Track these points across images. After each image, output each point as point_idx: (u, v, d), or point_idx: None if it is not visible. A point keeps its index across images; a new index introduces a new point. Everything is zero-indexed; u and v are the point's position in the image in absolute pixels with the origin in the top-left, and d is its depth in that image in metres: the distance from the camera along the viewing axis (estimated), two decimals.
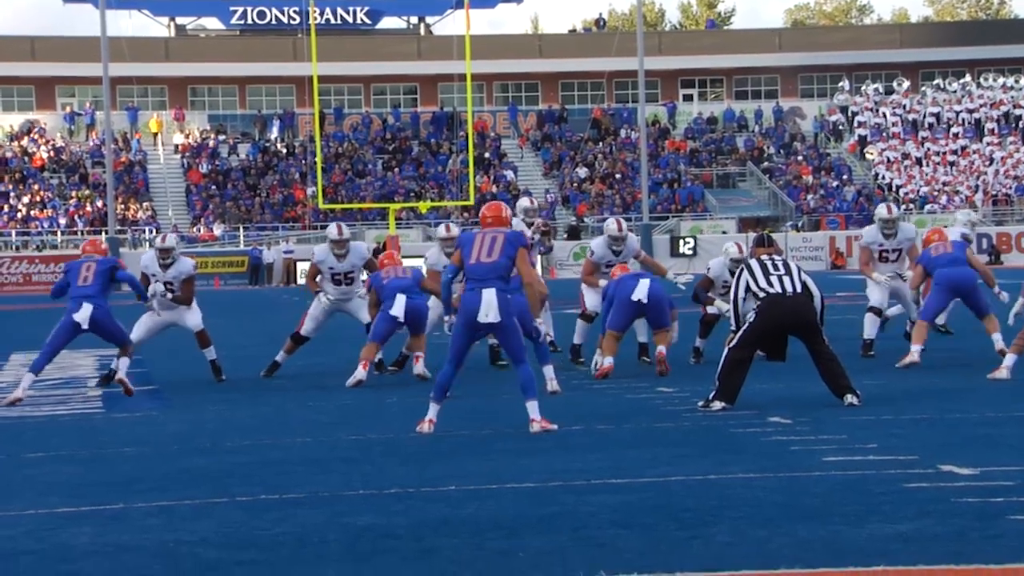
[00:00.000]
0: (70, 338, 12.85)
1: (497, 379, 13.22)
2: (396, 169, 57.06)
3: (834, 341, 10.87)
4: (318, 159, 49.80)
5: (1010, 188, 55.33)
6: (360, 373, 13.02)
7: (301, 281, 47.51)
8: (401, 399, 12.15)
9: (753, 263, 10.82)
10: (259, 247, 49.56)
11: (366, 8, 62.80)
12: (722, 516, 6.53)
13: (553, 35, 72.35)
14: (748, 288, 10.65)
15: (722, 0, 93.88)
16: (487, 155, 58.00)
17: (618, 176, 56.93)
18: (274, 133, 59.23)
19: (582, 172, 57.36)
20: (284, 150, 58.21)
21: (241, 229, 51.93)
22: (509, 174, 57.10)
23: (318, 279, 14.76)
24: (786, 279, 10.63)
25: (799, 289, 10.60)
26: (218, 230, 52.12)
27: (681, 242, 49.79)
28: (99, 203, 52.41)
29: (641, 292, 13.33)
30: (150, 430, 10.75)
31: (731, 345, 10.60)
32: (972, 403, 10.49)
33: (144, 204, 53.88)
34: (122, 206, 52.27)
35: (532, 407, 9.53)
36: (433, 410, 9.62)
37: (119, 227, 49.27)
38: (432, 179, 56.61)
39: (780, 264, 10.75)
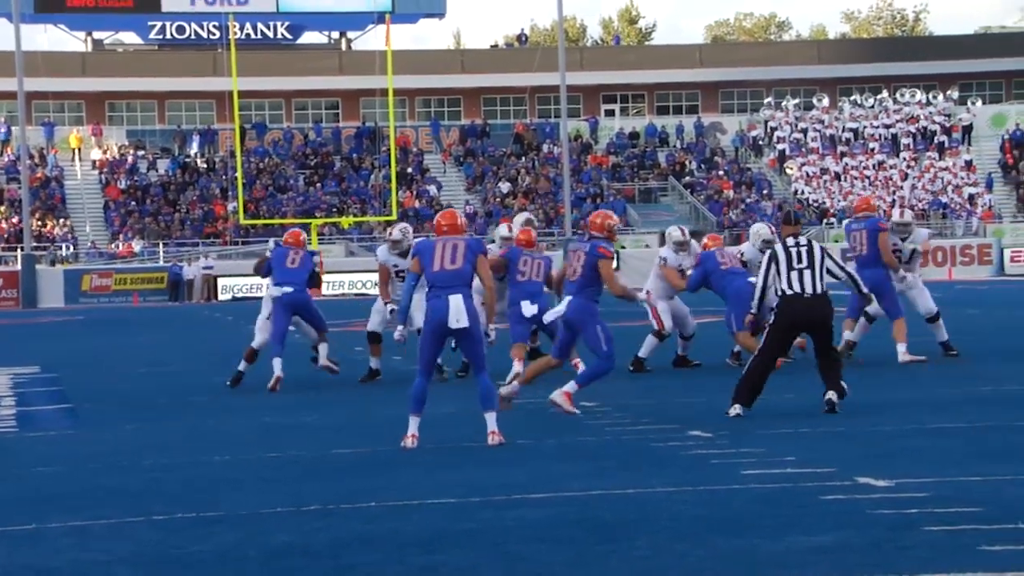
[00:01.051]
0: (288, 317, 14.54)
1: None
2: (318, 184, 56.82)
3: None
4: (239, 174, 49.43)
5: (926, 203, 56.17)
6: (514, 377, 12.67)
7: (223, 297, 47.20)
8: (322, 416, 12.08)
9: (779, 251, 10.89)
10: (179, 263, 49.08)
11: (287, 23, 62.50)
12: (642, 530, 6.55)
13: (475, 50, 72.44)
14: (773, 279, 10.82)
15: (643, 16, 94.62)
16: (410, 170, 57.93)
17: (541, 191, 57.10)
18: (194, 148, 58.74)
19: (505, 187, 57.45)
20: (204, 165, 57.77)
21: (161, 245, 51.42)
22: (432, 189, 57.07)
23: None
24: (807, 274, 10.74)
25: (819, 288, 10.73)
26: (137, 246, 51.59)
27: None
28: (15, 219, 51.67)
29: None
30: (65, 449, 10.60)
31: (759, 350, 10.83)
32: (889, 416, 10.61)
33: (61, 220, 53.20)
34: (39, 222, 51.58)
35: (490, 419, 9.52)
36: (414, 423, 9.56)
37: (35, 244, 48.60)
38: (354, 194, 56.43)
39: (804, 253, 10.82)
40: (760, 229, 15.08)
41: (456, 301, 9.42)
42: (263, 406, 12.90)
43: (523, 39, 73.89)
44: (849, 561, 5.80)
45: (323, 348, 14.79)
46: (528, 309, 13.74)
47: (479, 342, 9.59)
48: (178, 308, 43.56)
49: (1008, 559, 5.70)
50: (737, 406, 10.62)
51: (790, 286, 10.72)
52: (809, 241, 11.00)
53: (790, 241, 10.93)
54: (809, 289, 10.70)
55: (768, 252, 11.10)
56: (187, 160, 57.96)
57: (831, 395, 10.64)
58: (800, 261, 10.77)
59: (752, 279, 14.28)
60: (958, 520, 6.41)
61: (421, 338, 9.68)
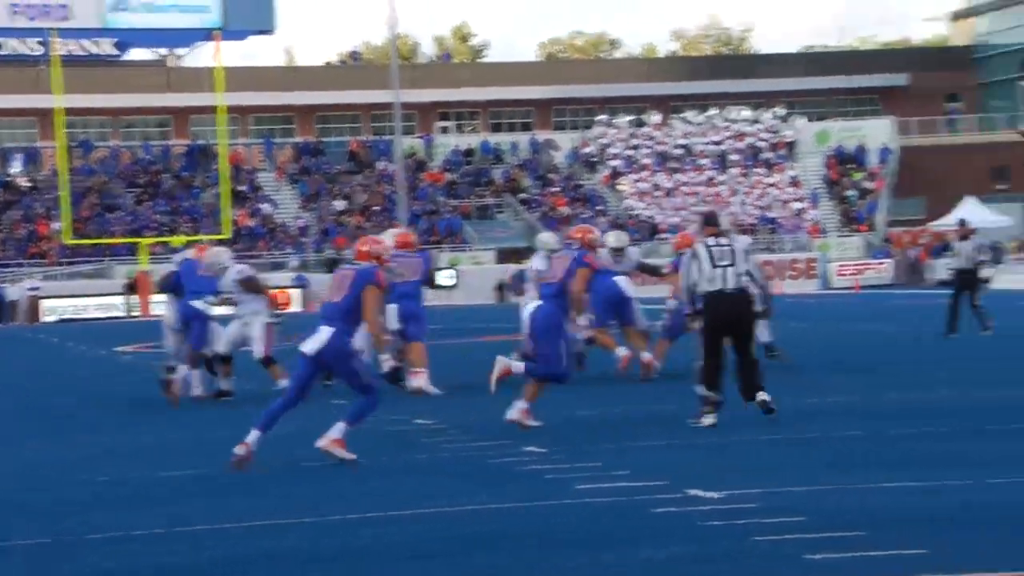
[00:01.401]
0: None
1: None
2: (148, 203, 55.81)
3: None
4: (63, 194, 48.26)
5: (755, 218, 57.44)
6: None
7: (48, 318, 46.02)
8: (160, 437, 11.81)
9: (700, 249, 10.96)
10: (2, 284, 47.70)
11: (113, 39, 61.29)
12: (476, 548, 6.53)
13: (308, 68, 71.97)
14: (697, 276, 10.85)
15: (475, 34, 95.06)
16: (243, 188, 57.24)
17: (376, 208, 56.92)
18: (16, 167, 57.19)
19: (340, 205, 57.15)
20: (28, 184, 56.27)
21: None
22: (266, 207, 56.48)
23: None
24: (730, 272, 10.82)
25: (741, 284, 10.83)
26: None
27: (441, 274, 50.00)
28: None
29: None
30: None
31: (703, 357, 10.87)
32: (718, 428, 10.77)
33: None
34: None
35: (338, 427, 9.42)
36: (254, 436, 9.40)
37: None
38: (185, 213, 55.55)
39: (726, 252, 10.90)
40: (608, 237, 15.86)
41: (323, 333, 9.37)
42: (147, 423, 12.57)
43: (356, 57, 73.68)
44: (680, 573, 5.86)
45: (182, 370, 14.34)
46: (390, 321, 13.79)
47: (351, 374, 9.50)
48: (1, 330, 42.31)
49: (829, 567, 5.83)
50: (712, 416, 10.68)
51: (712, 282, 10.84)
52: (730, 242, 11.14)
53: (711, 240, 11.03)
54: (732, 285, 10.84)
55: (689, 251, 11.26)
56: (9, 179, 56.41)
57: (762, 396, 10.76)
58: (723, 259, 10.91)
59: (617, 278, 15.18)
60: (784, 530, 6.53)
61: (297, 361, 9.63)
